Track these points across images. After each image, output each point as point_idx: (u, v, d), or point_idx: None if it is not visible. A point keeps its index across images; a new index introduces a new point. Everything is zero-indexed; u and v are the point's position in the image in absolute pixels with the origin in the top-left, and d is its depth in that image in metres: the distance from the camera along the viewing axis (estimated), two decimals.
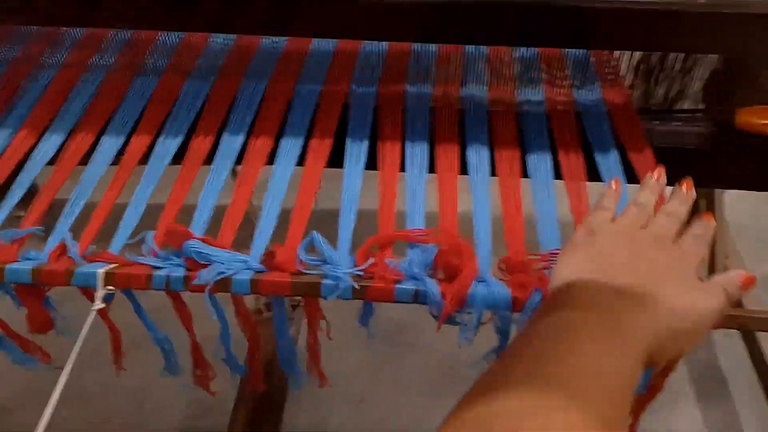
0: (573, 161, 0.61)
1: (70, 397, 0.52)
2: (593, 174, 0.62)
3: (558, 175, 0.61)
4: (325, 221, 0.56)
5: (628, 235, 0.42)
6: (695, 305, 0.38)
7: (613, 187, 0.48)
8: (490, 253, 0.53)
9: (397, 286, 0.48)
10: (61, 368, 0.60)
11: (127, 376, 0.60)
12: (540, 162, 0.61)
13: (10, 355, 0.60)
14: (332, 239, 0.53)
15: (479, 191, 0.58)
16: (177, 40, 0.76)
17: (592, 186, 0.60)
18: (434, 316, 0.48)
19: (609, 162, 0.62)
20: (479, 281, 0.49)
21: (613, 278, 0.38)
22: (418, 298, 0.48)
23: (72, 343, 0.56)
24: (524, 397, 0.28)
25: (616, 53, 0.75)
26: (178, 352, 0.59)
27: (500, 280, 0.50)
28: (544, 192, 0.58)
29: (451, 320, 0.49)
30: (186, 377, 0.61)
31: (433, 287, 0.47)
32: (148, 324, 0.56)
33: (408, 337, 1.27)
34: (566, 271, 0.40)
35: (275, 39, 0.75)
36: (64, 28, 0.76)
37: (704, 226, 0.43)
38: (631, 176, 0.61)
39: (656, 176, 0.48)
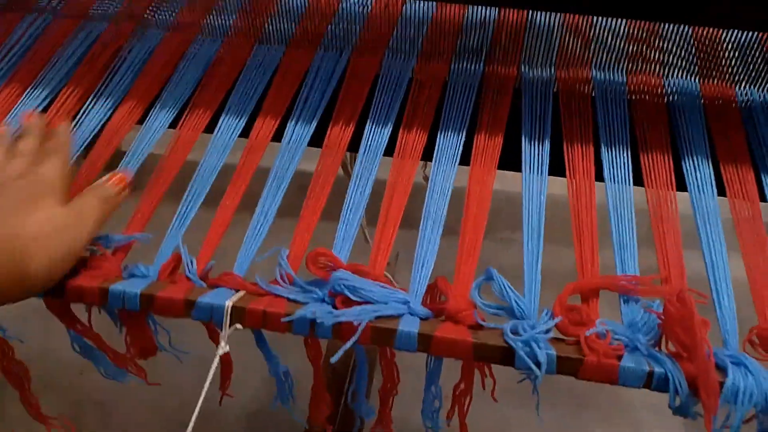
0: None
1: (141, 364, 0.46)
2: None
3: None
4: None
5: None
6: (33, 216, 0.38)
7: None
8: (735, 315, 0.39)
9: (623, 365, 0.34)
10: (157, 383, 0.52)
11: (199, 346, 0.50)
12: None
13: (100, 369, 0.52)
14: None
15: (710, 223, 0.43)
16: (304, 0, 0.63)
17: None
18: (676, 410, 0.35)
19: None
20: (735, 363, 0.35)
21: None
22: (652, 382, 0.34)
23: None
24: None
25: None
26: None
27: (759, 359, 0.36)
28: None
29: (685, 411, 0.35)
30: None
31: (677, 372, 0.34)
32: (270, 357, 0.45)
33: None
34: None
35: (421, 2, 0.61)
36: None
37: (56, 136, 0.46)
38: None
39: None
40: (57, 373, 1.03)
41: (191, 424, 0.35)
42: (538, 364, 0.35)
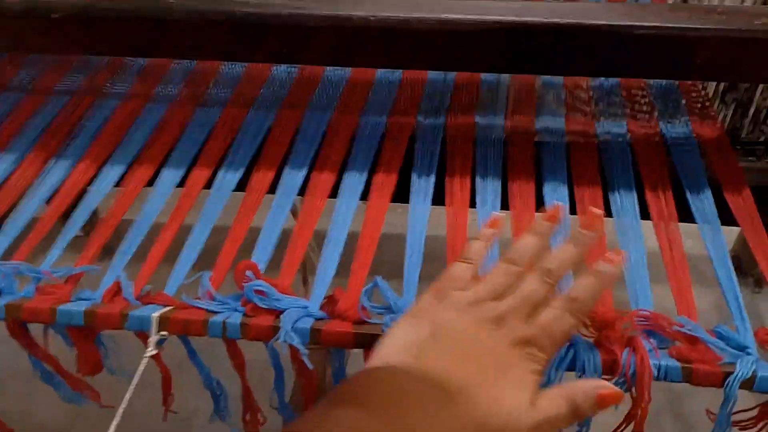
0: (662, 200, 0.56)
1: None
2: (684, 214, 0.56)
3: (644, 215, 0.55)
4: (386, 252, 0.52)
5: (474, 308, 0.35)
6: (502, 405, 0.31)
7: (486, 232, 0.40)
8: None
9: None
10: (111, 406, 0.59)
11: (175, 397, 0.57)
12: (626, 200, 0.56)
13: (58, 392, 0.59)
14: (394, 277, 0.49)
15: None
16: (240, 70, 0.74)
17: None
18: None
19: (702, 202, 0.55)
20: None
21: (429, 367, 0.32)
22: None
23: (126, 381, 0.55)
24: None
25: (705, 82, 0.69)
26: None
27: (585, 337, 0.44)
28: (631, 234, 0.53)
29: None
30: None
31: None
32: (201, 368, 0.53)
33: None
34: (387, 347, 0.35)
35: (340, 69, 0.72)
36: (129, 59, 0.76)
37: (590, 282, 0.36)
38: (728, 218, 0.55)
39: (548, 218, 0.39)
40: None
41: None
42: None
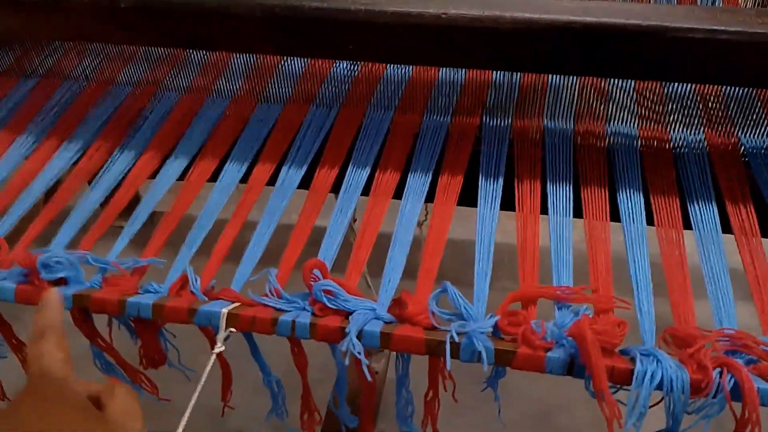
0: (744, 214, 0.53)
1: (152, 408, 0.50)
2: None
3: (726, 229, 0.53)
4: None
5: None
6: None
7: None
8: (653, 319, 0.46)
9: (549, 355, 0.41)
10: (167, 399, 0.59)
11: (211, 394, 0.56)
12: (705, 213, 0.53)
13: None
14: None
15: (636, 244, 0.51)
16: (301, 66, 0.73)
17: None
18: (592, 393, 0.41)
19: None
20: (645, 354, 0.42)
21: None
22: (574, 370, 0.41)
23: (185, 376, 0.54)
24: None
25: None
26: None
27: (669, 354, 0.42)
28: (712, 248, 0.51)
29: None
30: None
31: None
32: (263, 367, 0.52)
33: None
34: None
35: (401, 67, 0.71)
36: (189, 51, 0.75)
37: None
38: None
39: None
40: None
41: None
42: (479, 356, 0.42)
